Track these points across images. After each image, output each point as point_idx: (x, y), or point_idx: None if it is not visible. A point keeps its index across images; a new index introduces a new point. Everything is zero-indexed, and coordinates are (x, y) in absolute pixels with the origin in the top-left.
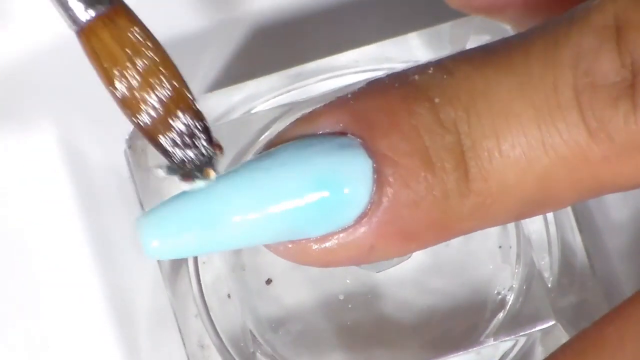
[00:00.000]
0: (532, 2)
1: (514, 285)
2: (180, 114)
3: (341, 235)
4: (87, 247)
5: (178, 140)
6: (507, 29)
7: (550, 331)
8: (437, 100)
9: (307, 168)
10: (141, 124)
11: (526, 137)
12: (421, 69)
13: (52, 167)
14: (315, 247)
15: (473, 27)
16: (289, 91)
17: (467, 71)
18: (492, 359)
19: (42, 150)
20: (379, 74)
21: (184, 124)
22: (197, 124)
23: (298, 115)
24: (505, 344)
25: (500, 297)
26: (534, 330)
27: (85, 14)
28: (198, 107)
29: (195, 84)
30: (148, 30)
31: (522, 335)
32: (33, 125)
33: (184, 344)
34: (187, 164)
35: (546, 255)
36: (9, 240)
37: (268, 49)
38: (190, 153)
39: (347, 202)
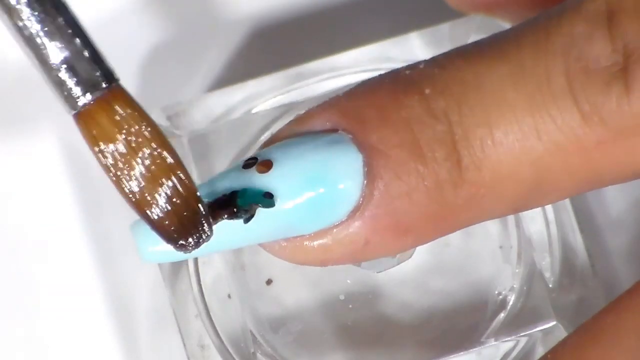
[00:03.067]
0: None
1: (514, 286)
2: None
3: (335, 230)
4: (87, 248)
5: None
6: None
7: (551, 331)
8: (427, 91)
9: (297, 165)
10: (153, 217)
11: (519, 124)
12: (413, 65)
13: (52, 167)
14: (309, 244)
15: (473, 26)
16: (289, 91)
17: (459, 64)
18: None
19: (43, 150)
20: (379, 73)
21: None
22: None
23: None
24: (506, 344)
25: (501, 297)
26: (535, 330)
27: (83, 98)
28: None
29: (195, 84)
30: (146, 114)
31: (523, 336)
32: (33, 126)
33: (184, 344)
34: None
35: (547, 255)
36: (9, 240)
37: (268, 49)
38: (191, 239)
39: (339, 197)
